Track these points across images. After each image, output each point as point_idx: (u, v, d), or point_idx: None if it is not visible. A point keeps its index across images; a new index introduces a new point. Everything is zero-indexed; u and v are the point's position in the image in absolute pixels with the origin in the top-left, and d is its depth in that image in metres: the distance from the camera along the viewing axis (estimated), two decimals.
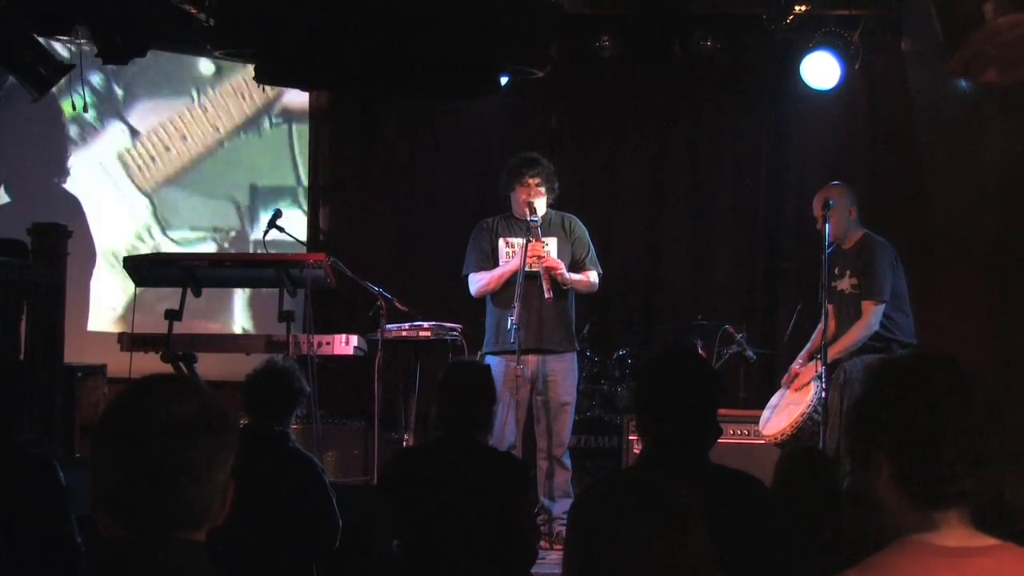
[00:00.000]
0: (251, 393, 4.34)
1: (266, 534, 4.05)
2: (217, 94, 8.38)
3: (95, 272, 8.16)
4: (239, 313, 8.35)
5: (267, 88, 8.13)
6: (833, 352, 5.65)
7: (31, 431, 5.78)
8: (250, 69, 6.68)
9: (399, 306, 6.31)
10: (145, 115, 8.33)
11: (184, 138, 8.35)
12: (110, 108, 8.27)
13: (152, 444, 1.74)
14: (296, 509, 4.15)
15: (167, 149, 8.34)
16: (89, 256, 8.06)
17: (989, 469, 1.69)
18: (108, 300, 8.14)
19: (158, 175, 8.34)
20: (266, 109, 8.42)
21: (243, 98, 8.38)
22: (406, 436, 6.52)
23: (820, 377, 5.56)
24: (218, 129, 8.38)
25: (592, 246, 6.28)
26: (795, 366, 5.94)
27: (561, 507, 5.99)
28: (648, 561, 1.74)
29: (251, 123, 8.43)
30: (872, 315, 5.67)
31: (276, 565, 4.09)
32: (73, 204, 8.13)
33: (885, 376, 1.78)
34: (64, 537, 3.64)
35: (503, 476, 3.99)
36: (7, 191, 8.07)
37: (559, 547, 5.84)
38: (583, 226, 6.31)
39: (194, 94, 8.36)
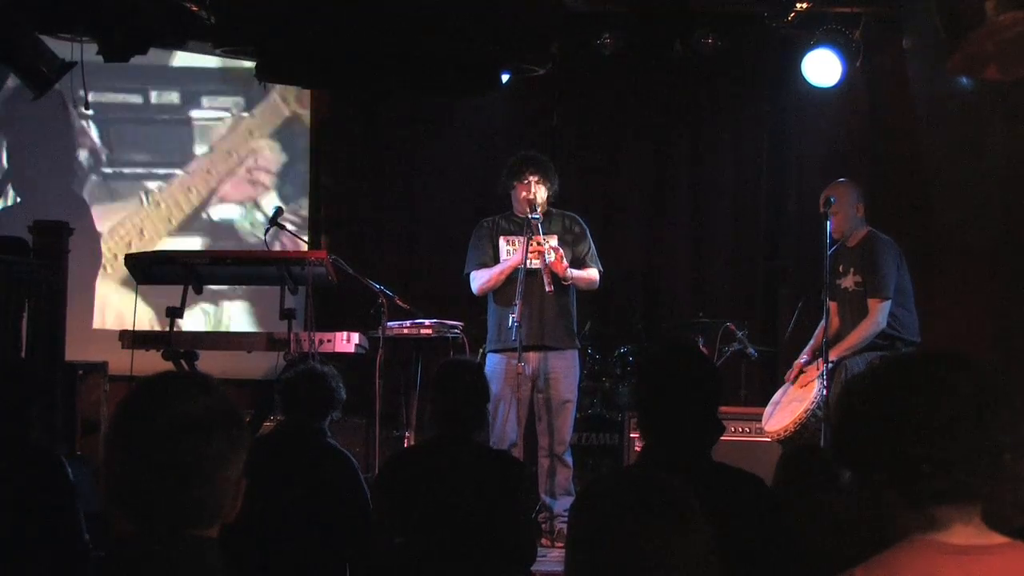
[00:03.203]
0: (288, 394, 4.35)
1: (302, 529, 4.06)
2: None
3: (100, 270, 8.17)
4: (240, 311, 8.35)
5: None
6: (839, 350, 5.64)
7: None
8: None
9: (400, 304, 6.32)
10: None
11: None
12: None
13: (167, 443, 1.75)
14: (332, 505, 4.15)
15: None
16: (95, 254, 8.07)
17: (973, 467, 1.68)
18: (113, 298, 8.15)
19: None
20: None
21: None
22: (407, 434, 6.53)
23: (823, 375, 5.56)
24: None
25: (593, 243, 6.29)
26: (799, 361, 5.94)
27: (562, 505, 6.00)
28: (649, 559, 1.74)
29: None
30: (879, 313, 5.67)
31: (311, 560, 4.09)
32: (80, 203, 8.13)
33: (873, 377, 1.79)
34: (72, 534, 3.66)
35: (498, 474, 4.00)
36: (15, 191, 8.07)
37: (560, 545, 5.85)
38: (583, 224, 6.32)
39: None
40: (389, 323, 6.25)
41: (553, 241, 6.11)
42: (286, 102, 8.39)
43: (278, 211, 6.38)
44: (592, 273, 6.22)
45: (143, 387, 1.84)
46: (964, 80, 6.22)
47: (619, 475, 2.24)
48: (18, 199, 8.08)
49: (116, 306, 8.04)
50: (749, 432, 6.32)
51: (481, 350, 6.37)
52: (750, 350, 7.11)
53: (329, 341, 5.94)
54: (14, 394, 3.88)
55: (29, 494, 3.63)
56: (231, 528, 1.84)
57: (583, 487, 2.00)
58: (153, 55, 6.74)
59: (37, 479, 3.67)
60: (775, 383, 6.33)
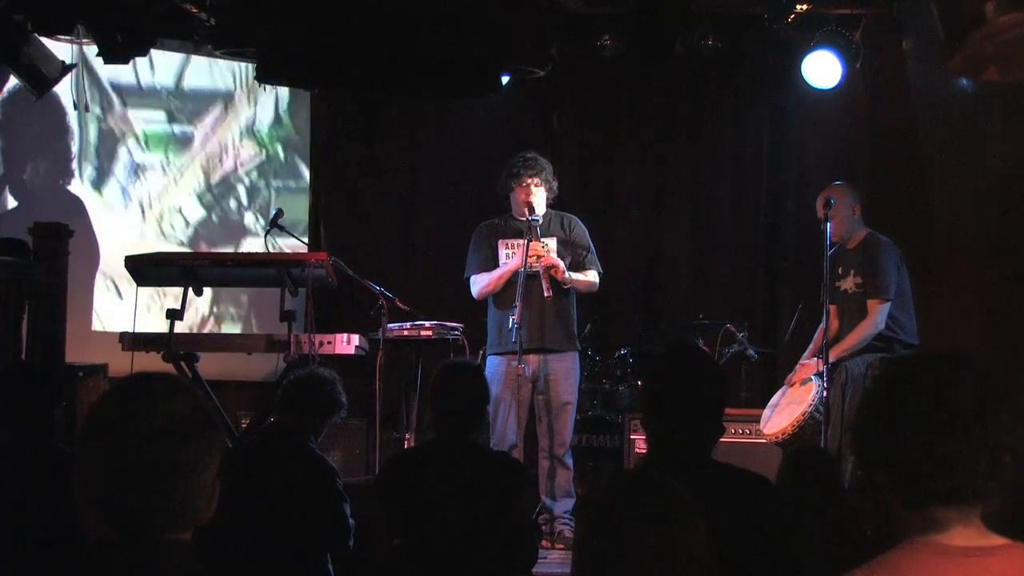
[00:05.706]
0: (285, 397, 4.34)
1: (275, 532, 4.05)
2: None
3: (99, 272, 8.16)
4: (240, 312, 8.35)
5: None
6: (838, 351, 5.64)
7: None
8: None
9: (400, 305, 6.32)
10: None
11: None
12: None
13: (145, 445, 1.73)
14: (305, 510, 4.14)
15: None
16: (95, 256, 8.07)
17: (973, 468, 1.68)
18: (113, 300, 8.14)
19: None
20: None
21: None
22: (408, 435, 6.53)
23: (821, 376, 5.56)
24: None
25: (592, 245, 6.28)
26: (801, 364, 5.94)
27: (563, 506, 6.00)
28: (652, 560, 1.74)
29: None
30: (878, 314, 5.67)
31: (285, 564, 4.09)
32: (79, 205, 8.13)
33: (875, 379, 1.80)
34: None
35: (497, 476, 3.99)
36: (12, 194, 8.07)
37: (561, 546, 5.85)
38: (583, 225, 6.32)
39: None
40: (389, 325, 6.25)
41: (552, 244, 6.11)
42: (287, 104, 8.40)
43: (278, 213, 6.39)
44: (591, 276, 6.22)
45: (119, 389, 1.82)
46: (964, 81, 6.22)
47: (622, 477, 2.25)
48: (17, 202, 8.08)
49: (116, 308, 8.03)
50: (749, 433, 6.32)
51: (481, 352, 6.37)
52: (750, 351, 7.11)
53: (329, 343, 5.94)
54: (40, 398, 3.92)
55: (54, 496, 3.65)
56: (205, 529, 1.83)
57: (588, 489, 2.02)
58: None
59: (62, 480, 3.70)
60: (775, 384, 6.33)
